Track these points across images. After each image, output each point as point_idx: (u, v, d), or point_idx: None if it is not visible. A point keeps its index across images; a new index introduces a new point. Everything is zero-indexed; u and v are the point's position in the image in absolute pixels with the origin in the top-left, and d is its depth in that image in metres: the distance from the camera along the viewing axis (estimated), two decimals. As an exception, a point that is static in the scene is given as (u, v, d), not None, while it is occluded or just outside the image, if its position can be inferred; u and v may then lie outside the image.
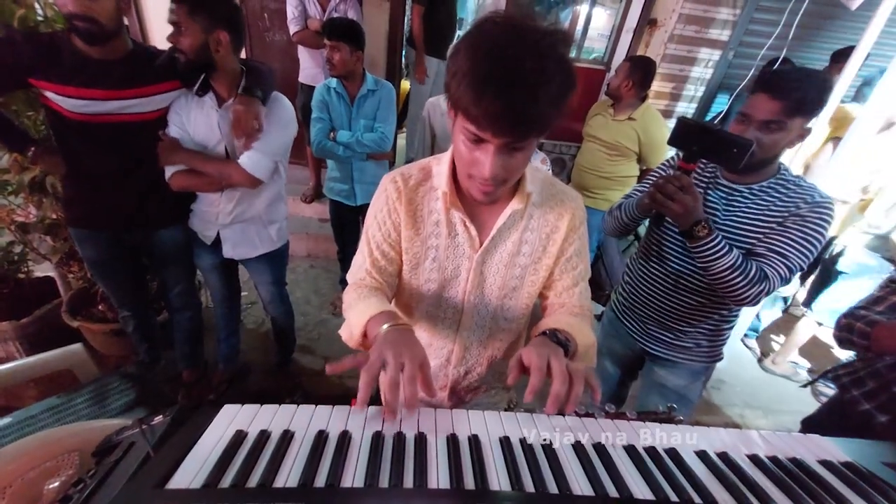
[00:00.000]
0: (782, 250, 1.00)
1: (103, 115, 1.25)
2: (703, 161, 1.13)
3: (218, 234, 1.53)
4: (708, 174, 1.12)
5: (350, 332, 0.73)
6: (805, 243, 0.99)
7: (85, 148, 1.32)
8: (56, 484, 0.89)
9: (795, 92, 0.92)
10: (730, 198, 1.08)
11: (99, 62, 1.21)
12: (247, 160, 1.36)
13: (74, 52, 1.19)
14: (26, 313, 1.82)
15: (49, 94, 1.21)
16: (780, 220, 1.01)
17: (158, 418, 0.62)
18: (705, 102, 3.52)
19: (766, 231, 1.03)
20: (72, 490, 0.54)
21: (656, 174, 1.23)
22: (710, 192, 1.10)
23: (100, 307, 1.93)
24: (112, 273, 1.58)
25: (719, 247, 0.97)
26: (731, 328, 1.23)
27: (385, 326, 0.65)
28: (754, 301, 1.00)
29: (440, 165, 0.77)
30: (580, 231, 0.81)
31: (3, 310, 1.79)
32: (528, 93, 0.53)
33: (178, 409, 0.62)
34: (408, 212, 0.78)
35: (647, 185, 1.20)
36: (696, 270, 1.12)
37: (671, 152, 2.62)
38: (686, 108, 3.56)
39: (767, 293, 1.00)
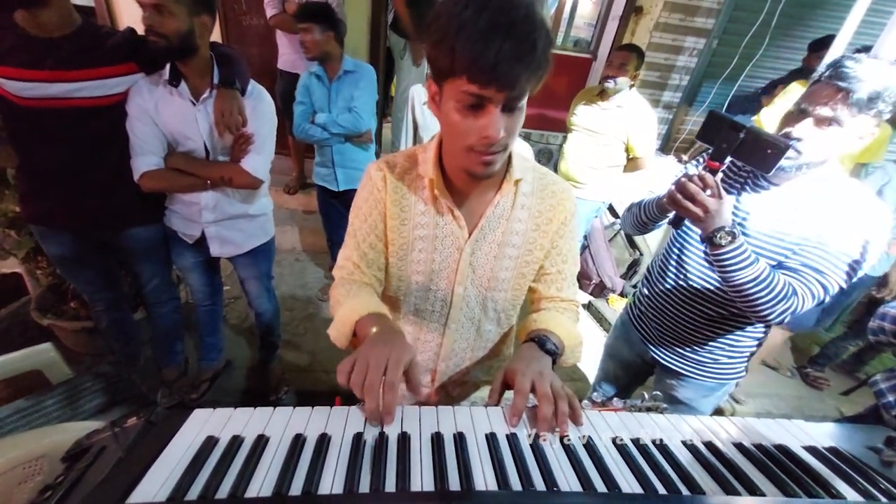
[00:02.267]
0: (818, 265, 0.87)
1: (51, 99, 1.16)
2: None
3: (202, 232, 1.47)
4: (745, 174, 1.00)
5: (339, 330, 0.71)
6: (846, 258, 0.86)
7: (36, 137, 1.23)
8: (24, 492, 0.85)
9: (869, 84, 0.77)
10: (765, 202, 0.95)
11: (42, 40, 1.12)
12: (249, 164, 1.36)
13: (15, 29, 1.10)
14: (-8, 312, 1.73)
15: None
16: (820, 230, 0.89)
17: (132, 420, 0.59)
18: (690, 91, 3.53)
19: (802, 242, 0.91)
20: (38, 497, 0.51)
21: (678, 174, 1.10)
22: (743, 194, 0.98)
23: (71, 304, 1.85)
24: (81, 269, 1.50)
25: (742, 256, 0.86)
26: (758, 345, 1.11)
27: (374, 329, 0.64)
28: (777, 319, 0.89)
29: (426, 153, 0.74)
30: (571, 224, 0.80)
31: (-34, 309, 1.70)
32: (527, 38, 0.52)
33: (154, 410, 0.59)
34: (393, 201, 0.76)
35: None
36: (719, 282, 1.01)
37: (658, 141, 2.59)
38: (671, 98, 3.57)
39: (794, 312, 0.88)
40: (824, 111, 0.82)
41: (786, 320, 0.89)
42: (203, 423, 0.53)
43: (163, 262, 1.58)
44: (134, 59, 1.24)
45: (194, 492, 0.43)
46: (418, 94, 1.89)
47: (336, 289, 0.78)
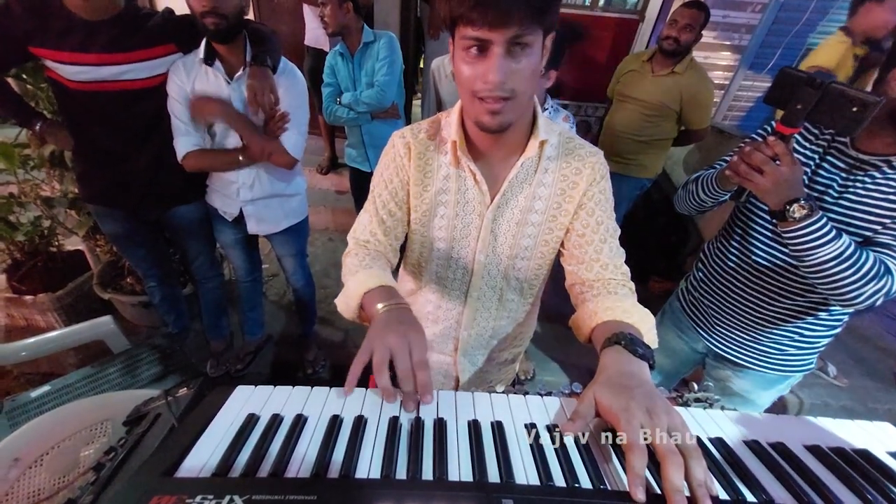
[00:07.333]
0: None
1: (100, 82, 1.21)
2: (813, 125, 0.88)
3: (241, 210, 1.51)
4: (824, 141, 0.88)
5: (347, 303, 0.70)
6: None
7: (89, 120, 1.29)
8: (91, 451, 0.92)
9: None
10: (852, 171, 0.83)
11: (87, 24, 1.15)
12: (287, 143, 1.35)
13: (64, 13, 1.14)
14: (61, 285, 1.89)
15: (48, 63, 1.17)
16: None
17: (183, 390, 0.62)
18: (752, 52, 3.18)
19: (895, 215, 0.79)
20: (104, 458, 0.54)
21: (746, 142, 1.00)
22: (825, 163, 0.87)
23: (128, 280, 1.99)
24: (134, 246, 1.60)
25: (822, 231, 0.76)
26: (831, 336, 0.99)
27: (380, 306, 0.62)
28: (868, 302, 0.78)
29: (450, 117, 0.73)
30: (601, 185, 0.74)
31: (39, 282, 1.86)
32: None
33: (202, 381, 0.63)
34: (417, 167, 0.75)
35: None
36: (789, 264, 0.91)
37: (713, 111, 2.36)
38: (730, 60, 3.23)
39: (888, 294, 0.77)
40: None
41: (878, 303, 0.78)
42: (245, 401, 0.54)
43: (207, 239, 1.66)
44: (173, 40, 1.25)
45: (237, 469, 0.44)
46: (441, 67, 1.80)
47: (349, 256, 0.77)
